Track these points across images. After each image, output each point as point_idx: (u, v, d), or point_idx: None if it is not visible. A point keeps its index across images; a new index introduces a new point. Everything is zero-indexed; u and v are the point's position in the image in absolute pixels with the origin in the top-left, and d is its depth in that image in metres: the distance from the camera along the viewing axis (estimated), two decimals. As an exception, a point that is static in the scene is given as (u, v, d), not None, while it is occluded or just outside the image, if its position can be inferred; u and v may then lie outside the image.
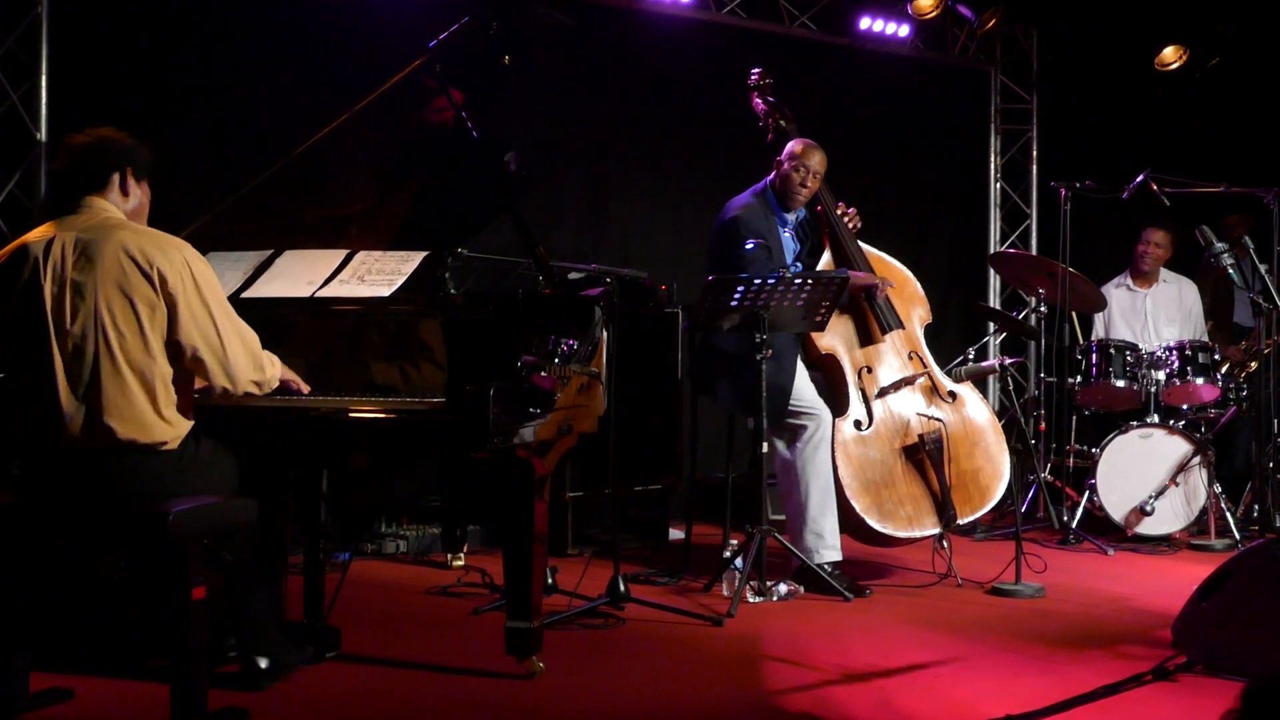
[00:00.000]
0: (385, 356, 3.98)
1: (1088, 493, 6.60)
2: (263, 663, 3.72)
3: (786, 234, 5.45)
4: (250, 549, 3.68)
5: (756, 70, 5.68)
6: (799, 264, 5.46)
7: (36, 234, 3.44)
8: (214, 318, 3.40)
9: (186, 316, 3.36)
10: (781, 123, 5.57)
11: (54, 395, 3.30)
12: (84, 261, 3.33)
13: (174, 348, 3.38)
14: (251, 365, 3.49)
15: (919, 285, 5.74)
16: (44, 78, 5.78)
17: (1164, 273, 7.38)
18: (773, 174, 5.44)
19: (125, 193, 3.52)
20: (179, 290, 3.34)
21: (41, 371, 3.32)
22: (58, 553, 3.64)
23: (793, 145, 5.40)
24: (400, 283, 4.01)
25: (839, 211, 5.50)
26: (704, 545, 5.89)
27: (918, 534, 5.37)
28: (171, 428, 3.39)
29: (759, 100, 5.65)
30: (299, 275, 4.12)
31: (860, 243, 5.56)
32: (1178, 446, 6.48)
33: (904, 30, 8.10)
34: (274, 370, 3.60)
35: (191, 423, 3.48)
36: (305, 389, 3.74)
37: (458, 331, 3.97)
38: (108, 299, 3.31)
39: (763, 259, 5.20)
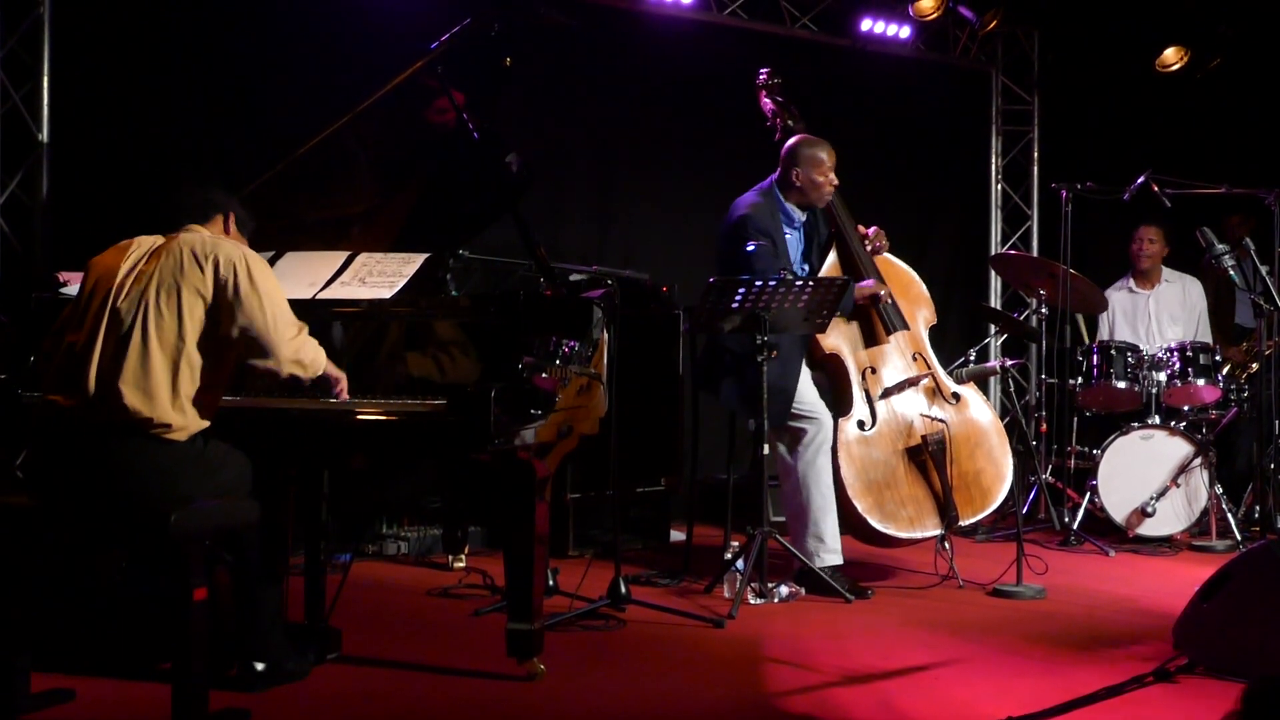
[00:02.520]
0: (385, 358, 3.98)
1: (1089, 494, 6.60)
2: (259, 666, 3.72)
3: (792, 233, 5.44)
4: (254, 551, 3.69)
5: (765, 70, 5.67)
6: (805, 265, 5.45)
7: (147, 237, 3.64)
8: (261, 300, 3.50)
9: (232, 297, 3.47)
10: (790, 122, 5.57)
11: (87, 360, 3.44)
12: (156, 255, 3.53)
13: (212, 334, 3.47)
14: (295, 346, 3.56)
15: (924, 286, 5.73)
16: (46, 78, 5.78)
17: (1166, 272, 7.38)
18: (780, 174, 5.40)
19: (226, 232, 3.73)
20: (228, 276, 3.48)
21: (86, 340, 3.47)
22: (60, 552, 3.66)
23: (806, 149, 5.34)
24: (402, 284, 4.01)
25: (855, 226, 5.49)
26: (705, 546, 5.89)
27: (919, 535, 5.37)
28: (183, 417, 3.44)
29: (767, 99, 5.65)
30: (300, 277, 4.13)
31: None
32: (1179, 448, 6.48)
33: (905, 32, 8.09)
34: (320, 358, 3.65)
35: (206, 424, 3.52)
36: (344, 394, 3.75)
37: (459, 333, 3.96)
38: (160, 282, 3.46)
39: (768, 259, 5.18)
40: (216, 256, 3.49)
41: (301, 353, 3.58)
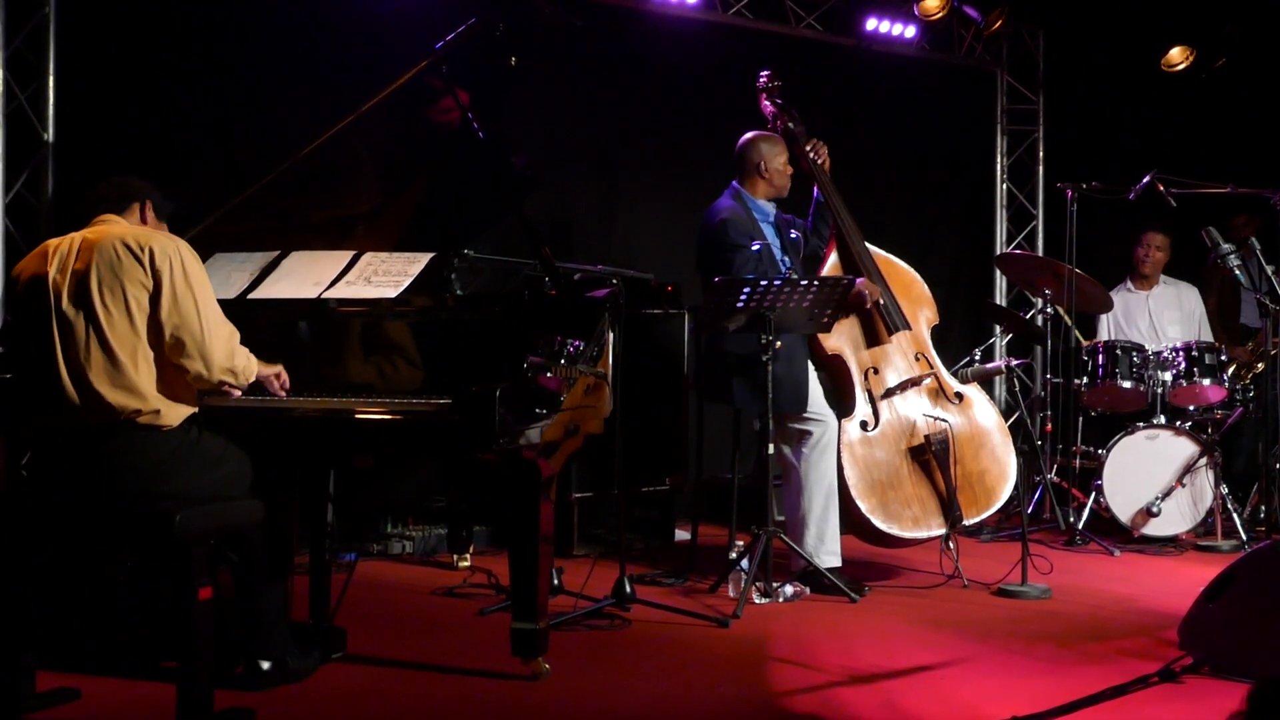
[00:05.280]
0: (391, 357, 3.98)
1: (1094, 494, 6.59)
2: (265, 665, 3.73)
3: (769, 228, 5.44)
4: (258, 551, 3.70)
5: (765, 73, 5.68)
6: (786, 258, 5.45)
7: (58, 238, 3.60)
8: (196, 302, 3.50)
9: (168, 294, 3.47)
10: (790, 125, 5.57)
11: (55, 374, 3.45)
12: (85, 252, 3.50)
13: (155, 326, 3.47)
14: (228, 354, 3.56)
15: (926, 286, 5.73)
16: (51, 78, 5.78)
17: (1163, 277, 7.39)
18: (745, 174, 5.42)
19: (143, 220, 3.71)
20: (164, 270, 3.47)
21: (45, 355, 3.47)
22: (65, 550, 3.66)
23: (764, 143, 5.42)
24: (407, 284, 4.02)
25: (812, 154, 5.52)
26: (710, 546, 5.89)
27: (924, 535, 5.36)
28: (165, 401, 3.47)
29: (767, 102, 5.65)
30: (306, 276, 4.13)
31: (867, 244, 5.56)
32: (1184, 447, 6.47)
33: (910, 31, 8.09)
34: (251, 365, 3.64)
35: (193, 409, 3.54)
36: (282, 392, 3.74)
37: (464, 332, 3.97)
38: (99, 280, 3.45)
39: (755, 258, 5.20)
40: (151, 248, 3.48)
41: (234, 360, 3.57)
